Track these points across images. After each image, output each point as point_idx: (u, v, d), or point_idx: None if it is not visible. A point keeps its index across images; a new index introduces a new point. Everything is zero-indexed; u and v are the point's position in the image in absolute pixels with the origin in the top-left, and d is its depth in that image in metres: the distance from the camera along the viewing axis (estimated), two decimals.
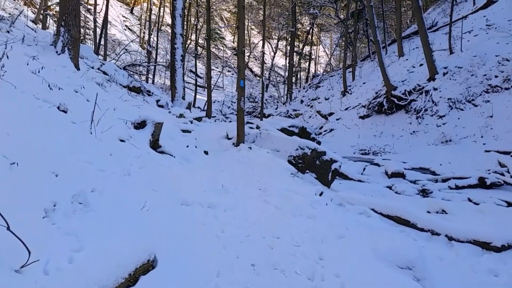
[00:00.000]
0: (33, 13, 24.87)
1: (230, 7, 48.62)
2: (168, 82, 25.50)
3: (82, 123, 4.67)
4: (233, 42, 50.86)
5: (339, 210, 5.22)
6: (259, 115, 25.76)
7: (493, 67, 16.28)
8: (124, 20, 42.66)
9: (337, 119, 21.65)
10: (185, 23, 27.46)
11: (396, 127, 17.68)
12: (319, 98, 27.09)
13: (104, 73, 12.08)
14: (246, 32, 42.53)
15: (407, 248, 3.69)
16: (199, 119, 12.12)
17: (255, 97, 34.99)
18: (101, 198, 3.46)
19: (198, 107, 25.72)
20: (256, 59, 49.67)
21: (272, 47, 40.43)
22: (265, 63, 31.81)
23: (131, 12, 45.28)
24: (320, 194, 5.67)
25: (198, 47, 36.55)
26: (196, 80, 28.20)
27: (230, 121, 19.64)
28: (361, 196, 5.83)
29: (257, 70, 48.18)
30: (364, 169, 10.96)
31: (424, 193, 9.17)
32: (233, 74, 45.15)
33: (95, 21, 24.87)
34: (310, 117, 24.94)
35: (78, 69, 7.65)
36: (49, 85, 4.77)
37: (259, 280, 3.28)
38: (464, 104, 15.94)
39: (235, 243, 3.84)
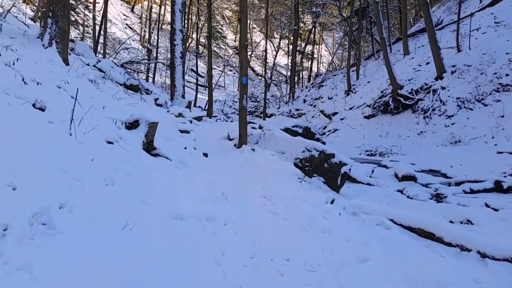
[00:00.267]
0: (32, 11, 24.43)
1: (231, 5, 48.15)
2: (168, 81, 25.03)
3: (62, 123, 4.07)
4: (235, 41, 50.39)
5: (354, 220, 4.66)
6: (261, 115, 25.31)
7: (503, 65, 15.77)
8: (124, 19, 42.33)
9: (341, 119, 21.15)
10: (186, 21, 27.10)
11: (403, 127, 17.21)
12: (322, 98, 26.61)
13: (101, 70, 11.59)
14: (248, 30, 41.96)
15: (446, 275, 3.13)
16: (199, 118, 11.59)
17: (257, 97, 34.59)
18: (71, 217, 2.80)
19: (199, 107, 25.34)
20: (258, 58, 49.25)
21: (274, 46, 39.99)
22: (267, 62, 31.28)
23: (132, 10, 44.92)
24: (332, 202, 5.12)
25: (200, 46, 36.10)
26: (197, 79, 27.80)
27: (232, 121, 19.16)
28: (377, 205, 5.26)
29: (258, 69, 47.76)
30: (373, 171, 10.41)
31: (438, 197, 8.62)
32: (234, 73, 44.74)
33: (94, 18, 24.44)
34: (313, 116, 24.47)
35: (67, 64, 7.10)
36: (23, 79, 4.18)
37: None
38: (473, 103, 15.46)
39: (238, 267, 3.21)
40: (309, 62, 39.85)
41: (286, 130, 11.89)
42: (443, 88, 16.85)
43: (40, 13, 19.01)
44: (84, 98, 4.93)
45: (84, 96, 5.16)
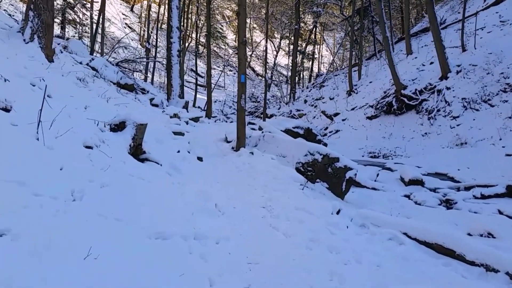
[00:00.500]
0: None
1: (232, 5, 47.72)
2: None
3: (29, 125, 3.51)
4: (235, 41, 49.97)
5: (363, 234, 4.17)
6: (261, 115, 24.87)
7: (510, 64, 15.37)
8: (124, 18, 42.03)
9: (343, 120, 20.71)
10: (185, 20, 26.69)
11: (407, 129, 16.79)
12: (323, 98, 26.19)
13: (94, 69, 11.15)
14: (248, 30, 41.68)
15: None
16: (196, 119, 11.12)
17: (257, 97, 34.25)
18: (13, 247, 2.15)
19: (199, 107, 25.01)
20: (258, 58, 48.88)
21: (274, 46, 39.63)
22: (268, 62, 30.93)
23: (131, 10, 44.57)
24: (338, 212, 4.64)
25: (199, 46, 35.69)
26: (196, 79, 27.46)
27: (232, 122, 18.74)
28: (387, 216, 4.76)
29: (259, 69, 47.40)
30: (378, 175, 9.94)
31: (448, 203, 8.16)
32: (234, 73, 44.35)
33: (91, 17, 24.02)
34: (314, 117, 24.06)
35: (52, 60, 6.59)
36: None
37: None
38: (479, 104, 15.06)
39: None
40: (310, 62, 39.52)
41: (287, 131, 11.49)
42: (448, 88, 16.45)
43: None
44: (63, 98, 4.41)
45: (63, 95, 4.66)
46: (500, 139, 12.65)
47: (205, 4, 25.44)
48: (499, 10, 21.44)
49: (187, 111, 13.12)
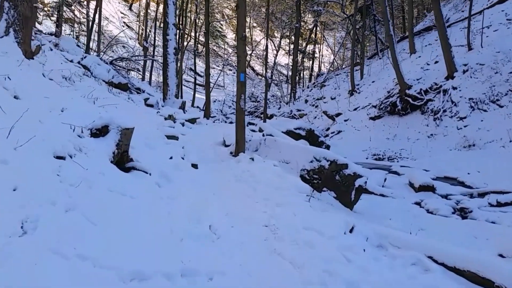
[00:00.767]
0: None
1: (231, 4, 47.20)
2: None
3: None
4: (234, 40, 49.45)
5: (382, 258, 3.59)
6: (261, 115, 24.34)
7: None
8: (122, 17, 41.61)
9: (345, 120, 20.17)
10: (184, 18, 26.16)
11: (411, 130, 16.29)
12: (324, 98, 25.65)
13: (85, 67, 10.61)
14: (248, 29, 41.17)
15: None
16: (192, 120, 10.55)
17: (257, 97, 33.80)
18: None
19: (198, 107, 24.52)
20: (258, 58, 48.41)
21: (275, 45, 39.16)
22: (268, 62, 30.42)
23: (130, 8, 44.12)
24: (351, 231, 4.06)
25: (198, 45, 35.16)
26: (195, 79, 26.99)
27: (231, 122, 18.19)
28: (408, 235, 4.18)
29: (259, 68, 46.93)
30: (385, 179, 9.39)
31: (463, 212, 7.60)
32: (234, 72, 43.86)
33: (87, 15, 23.53)
34: (316, 117, 23.53)
35: (31, 57, 5.99)
36: None
37: None
38: (487, 104, 14.60)
39: None
40: (310, 62, 39.06)
41: (288, 132, 10.97)
42: (454, 88, 15.96)
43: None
44: (36, 99, 3.82)
45: (37, 96, 4.07)
46: (510, 141, 12.22)
47: (203, 2, 24.91)
48: (505, 8, 20.98)
49: (184, 112, 12.55)
